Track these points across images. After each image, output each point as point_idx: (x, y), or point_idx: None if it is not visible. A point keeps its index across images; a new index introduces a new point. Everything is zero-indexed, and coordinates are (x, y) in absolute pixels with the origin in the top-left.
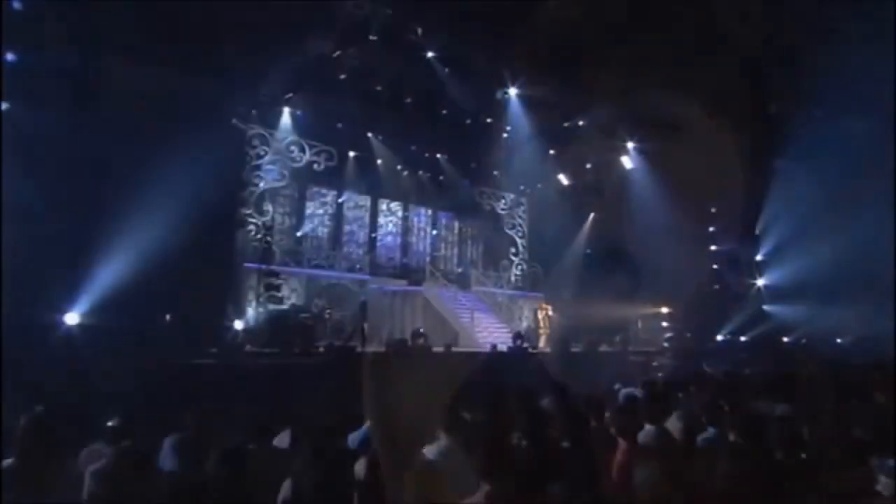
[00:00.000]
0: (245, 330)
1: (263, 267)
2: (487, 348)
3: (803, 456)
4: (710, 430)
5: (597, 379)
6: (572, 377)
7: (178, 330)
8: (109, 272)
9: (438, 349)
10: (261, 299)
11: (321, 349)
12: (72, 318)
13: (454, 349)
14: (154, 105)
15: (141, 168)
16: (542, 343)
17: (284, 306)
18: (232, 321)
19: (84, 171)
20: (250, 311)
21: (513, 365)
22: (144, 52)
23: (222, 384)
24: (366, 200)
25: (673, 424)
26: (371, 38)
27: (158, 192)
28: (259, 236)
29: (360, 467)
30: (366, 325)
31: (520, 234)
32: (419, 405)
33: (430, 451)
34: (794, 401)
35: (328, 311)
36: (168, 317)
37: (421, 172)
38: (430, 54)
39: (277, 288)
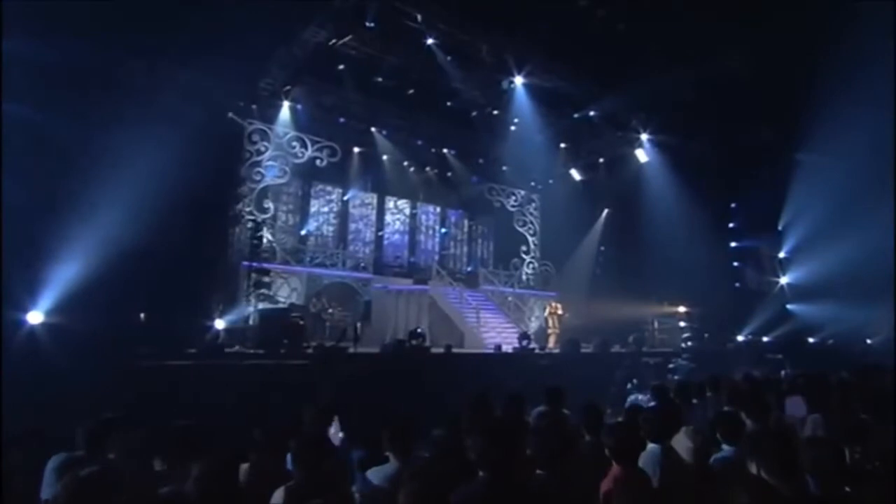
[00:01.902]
0: (227, 330)
1: (254, 265)
2: (492, 349)
3: (847, 489)
4: (727, 450)
5: (605, 382)
6: (578, 380)
7: (151, 330)
8: (80, 268)
9: (438, 350)
10: (250, 298)
11: (310, 350)
12: (35, 318)
13: (455, 350)
14: (142, 97)
15: (123, 161)
16: (551, 343)
17: (277, 305)
18: (213, 320)
19: (61, 163)
20: (238, 311)
21: (508, 368)
22: (135, 43)
23: (179, 390)
24: (372, 198)
25: (681, 442)
26: (369, 25)
27: (143, 187)
28: (259, 234)
29: (277, 497)
30: (359, 325)
31: (531, 231)
32: None
33: (374, 476)
34: (831, 414)
35: (330, 310)
36: (142, 316)
37: (428, 169)
38: (430, 41)
39: (268, 286)
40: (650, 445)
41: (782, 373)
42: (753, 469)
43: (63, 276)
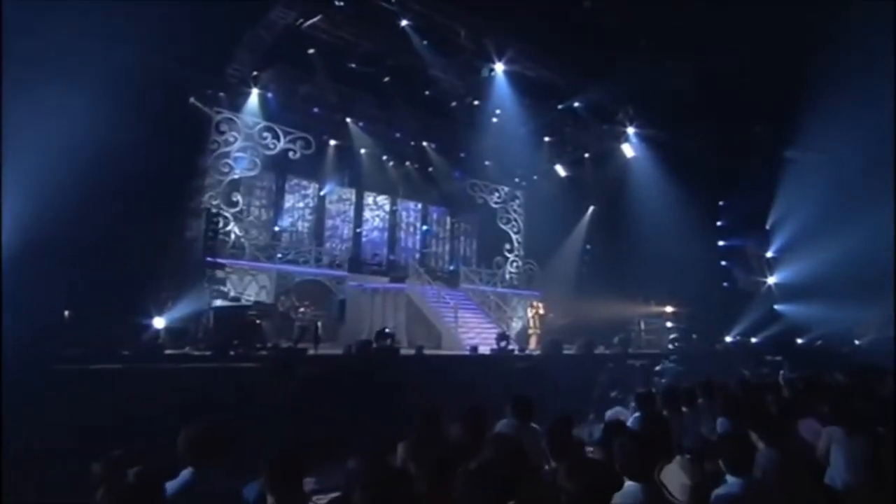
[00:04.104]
0: (169, 329)
1: (209, 259)
2: (468, 350)
3: None
4: (732, 483)
5: (588, 386)
6: (559, 384)
7: (76, 330)
8: None
9: (408, 352)
10: (205, 294)
11: (263, 352)
12: None
13: (428, 352)
14: (88, 76)
15: (51, 141)
16: (532, 344)
17: (236, 303)
18: (152, 319)
19: None
20: (185, 308)
21: (484, 371)
22: (87, 20)
23: (102, 396)
24: (350, 193)
25: (674, 475)
26: (338, 4)
27: (77, 170)
28: (216, 227)
29: None
30: (320, 325)
31: (515, 229)
32: None
33: None
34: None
35: (301, 309)
36: (66, 314)
37: (408, 163)
38: (404, 22)
39: (223, 282)
40: (627, 484)
41: (780, 373)
42: None
43: None
